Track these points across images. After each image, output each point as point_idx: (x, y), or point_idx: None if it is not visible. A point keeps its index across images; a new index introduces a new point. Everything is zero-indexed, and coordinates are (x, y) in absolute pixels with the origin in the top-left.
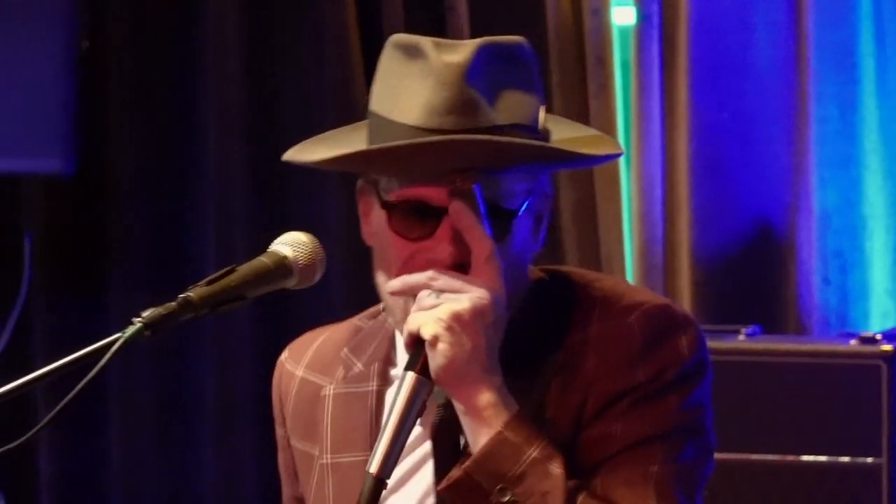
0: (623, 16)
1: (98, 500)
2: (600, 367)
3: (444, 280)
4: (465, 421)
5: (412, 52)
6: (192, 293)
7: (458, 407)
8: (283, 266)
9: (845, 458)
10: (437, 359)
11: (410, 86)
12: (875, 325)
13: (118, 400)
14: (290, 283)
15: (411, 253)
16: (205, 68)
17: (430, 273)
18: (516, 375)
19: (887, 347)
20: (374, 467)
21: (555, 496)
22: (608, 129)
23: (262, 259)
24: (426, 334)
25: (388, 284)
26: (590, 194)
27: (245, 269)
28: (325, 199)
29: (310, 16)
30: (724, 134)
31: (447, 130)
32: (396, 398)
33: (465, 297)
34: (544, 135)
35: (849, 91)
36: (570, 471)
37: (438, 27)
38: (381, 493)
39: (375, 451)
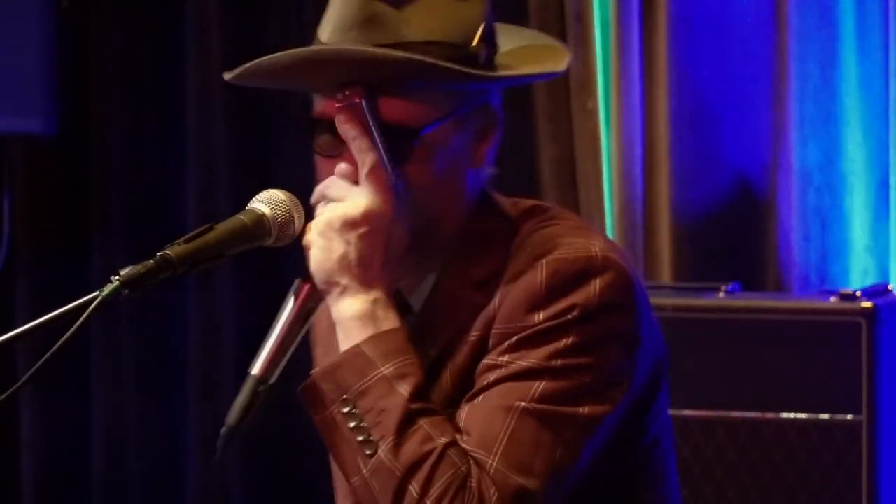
0: None
1: (80, 461)
2: (502, 308)
3: (333, 189)
4: (336, 330)
5: None
6: (170, 251)
7: (332, 314)
8: (260, 224)
9: (825, 416)
10: (310, 264)
11: (333, 5)
12: (855, 282)
13: (100, 360)
14: (268, 241)
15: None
16: (187, 30)
17: (325, 182)
18: (441, 308)
19: (867, 304)
20: (256, 369)
21: (391, 415)
22: (587, 86)
23: (240, 217)
24: (305, 241)
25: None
26: (569, 153)
27: (223, 227)
28: (307, 160)
29: None
30: (704, 91)
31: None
32: (285, 304)
33: (340, 205)
34: (475, 51)
35: (829, 48)
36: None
37: None
38: (259, 394)
39: (259, 354)
